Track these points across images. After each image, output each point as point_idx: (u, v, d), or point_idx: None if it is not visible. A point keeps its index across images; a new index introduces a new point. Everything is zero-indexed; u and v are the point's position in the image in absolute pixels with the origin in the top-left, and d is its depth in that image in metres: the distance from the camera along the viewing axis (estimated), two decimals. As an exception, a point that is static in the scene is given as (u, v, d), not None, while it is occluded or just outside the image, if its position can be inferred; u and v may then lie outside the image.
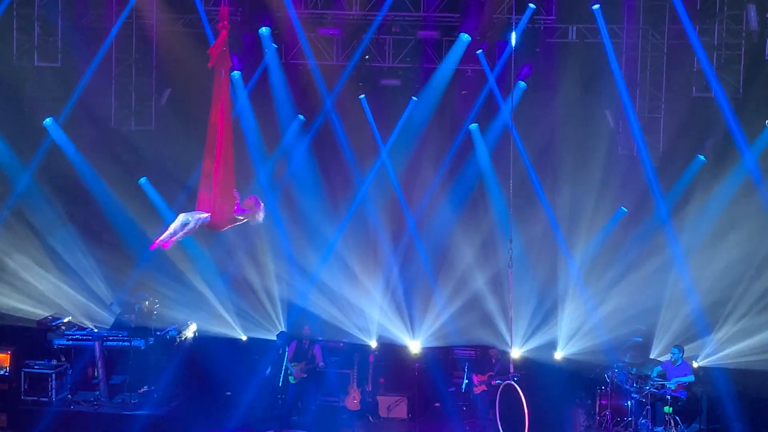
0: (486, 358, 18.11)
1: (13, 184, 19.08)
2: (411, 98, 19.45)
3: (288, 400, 17.29)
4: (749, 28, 17.95)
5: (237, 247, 19.34)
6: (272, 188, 19.74)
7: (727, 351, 17.80)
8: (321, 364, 17.79)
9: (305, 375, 17.42)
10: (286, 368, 17.15)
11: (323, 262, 19.76)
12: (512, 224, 19.11)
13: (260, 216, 11.15)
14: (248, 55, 19.13)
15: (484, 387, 17.24)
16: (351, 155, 19.75)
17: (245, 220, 11.13)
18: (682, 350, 16.95)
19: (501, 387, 14.58)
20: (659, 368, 16.98)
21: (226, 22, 11.04)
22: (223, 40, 10.97)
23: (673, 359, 16.98)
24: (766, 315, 17.86)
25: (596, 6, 18.11)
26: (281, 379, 17.06)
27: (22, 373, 17.09)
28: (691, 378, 16.67)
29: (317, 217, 19.79)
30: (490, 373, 17.05)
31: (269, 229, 19.79)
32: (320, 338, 18.73)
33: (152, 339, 17.77)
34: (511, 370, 15.53)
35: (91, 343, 17.61)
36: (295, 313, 19.31)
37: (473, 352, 18.79)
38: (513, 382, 13.02)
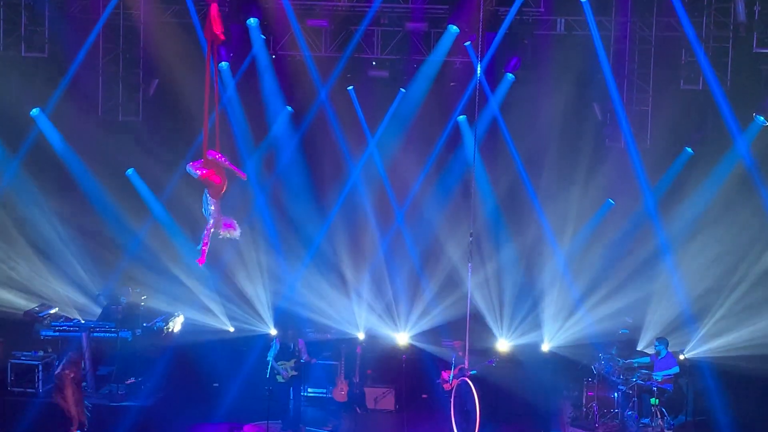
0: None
1: (-1, 174, 19.04)
2: (399, 90, 19.44)
3: (278, 395, 17.21)
4: (737, 20, 17.93)
5: (224, 238, 19.27)
6: (260, 180, 19.72)
7: (713, 343, 17.86)
8: (309, 358, 17.69)
9: (296, 373, 17.33)
10: (272, 365, 17.07)
11: (311, 254, 19.76)
12: (499, 218, 19.39)
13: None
14: (236, 46, 19.06)
15: (455, 382, 17.04)
16: (339, 147, 19.74)
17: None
18: (665, 343, 16.98)
19: (455, 385, 14.67)
20: (647, 359, 17.01)
21: None
22: (218, 15, 11.40)
23: (655, 351, 17.04)
24: (752, 307, 17.91)
25: (585, -2, 18.14)
26: (268, 372, 17.02)
27: (9, 364, 17.06)
28: (676, 369, 16.72)
29: (305, 208, 19.80)
30: (461, 366, 16.96)
31: (257, 220, 19.79)
32: (308, 330, 18.72)
33: (139, 330, 17.76)
34: (466, 365, 15.64)
35: (78, 334, 17.57)
36: (282, 305, 19.29)
37: (460, 343, 18.77)
38: (467, 378, 13.14)
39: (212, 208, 12.17)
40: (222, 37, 11.64)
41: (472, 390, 12.93)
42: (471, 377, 16.61)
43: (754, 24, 17.80)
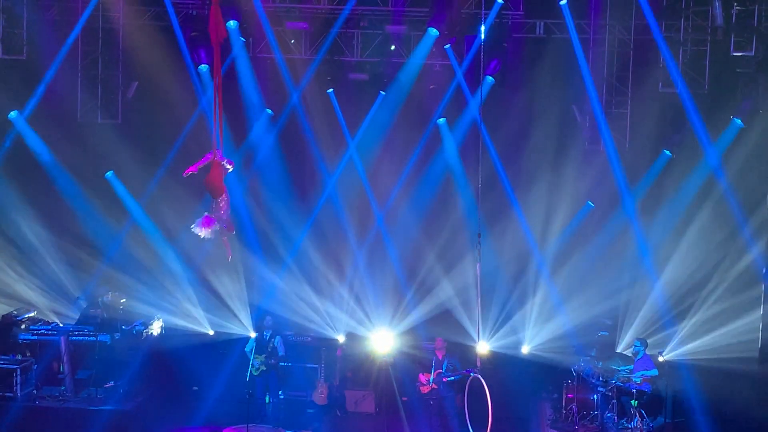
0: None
1: (-23, 178, 18.93)
2: (379, 93, 19.45)
3: (256, 395, 17.19)
4: (714, 24, 18.06)
5: (203, 241, 19.23)
6: (239, 182, 19.67)
7: (691, 345, 17.93)
8: (281, 354, 17.63)
9: (265, 368, 17.28)
10: (252, 363, 17.06)
11: (290, 256, 19.74)
12: (480, 219, 19.37)
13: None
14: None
15: (434, 386, 16.87)
16: (319, 149, 19.74)
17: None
18: (644, 343, 17.05)
19: (468, 382, 14.65)
20: (630, 366, 17.00)
21: None
22: (218, 15, 11.78)
23: (633, 352, 17.10)
24: (730, 308, 17.98)
25: (563, 1, 18.20)
26: (248, 374, 16.99)
27: (-14, 368, 16.96)
28: (654, 372, 16.77)
29: (284, 211, 19.76)
30: (439, 371, 16.86)
31: (235, 222, 19.71)
32: (288, 332, 18.70)
33: (118, 334, 17.72)
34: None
35: (57, 337, 17.51)
36: (261, 307, 19.26)
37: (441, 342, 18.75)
38: (478, 376, 13.13)
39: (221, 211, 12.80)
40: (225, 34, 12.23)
41: (485, 389, 12.92)
42: (449, 381, 16.80)
43: (732, 27, 17.91)
